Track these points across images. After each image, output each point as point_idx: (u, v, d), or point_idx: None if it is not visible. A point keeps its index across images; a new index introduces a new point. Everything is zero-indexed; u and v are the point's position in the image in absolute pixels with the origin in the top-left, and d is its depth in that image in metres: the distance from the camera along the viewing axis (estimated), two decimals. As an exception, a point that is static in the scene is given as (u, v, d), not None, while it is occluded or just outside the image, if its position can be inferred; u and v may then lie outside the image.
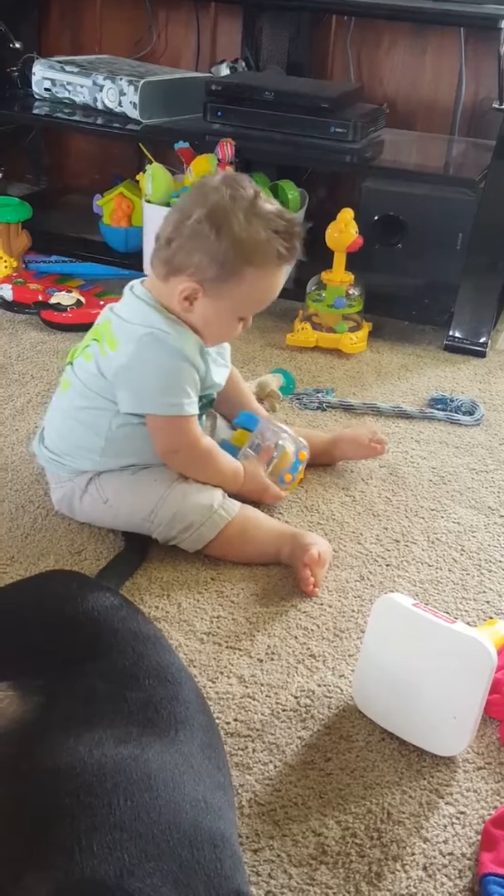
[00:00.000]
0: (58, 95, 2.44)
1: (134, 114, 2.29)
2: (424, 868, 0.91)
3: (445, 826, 0.96)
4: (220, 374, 1.41)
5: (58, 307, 2.08)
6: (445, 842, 0.94)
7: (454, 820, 0.97)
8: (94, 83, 2.36)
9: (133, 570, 1.31)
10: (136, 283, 1.37)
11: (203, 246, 1.27)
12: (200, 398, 1.35)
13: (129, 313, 1.33)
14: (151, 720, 0.84)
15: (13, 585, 1.13)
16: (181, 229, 1.29)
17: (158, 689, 0.89)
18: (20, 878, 0.69)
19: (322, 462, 1.60)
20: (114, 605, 0.99)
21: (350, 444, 1.58)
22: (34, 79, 2.47)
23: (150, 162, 2.19)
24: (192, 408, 1.31)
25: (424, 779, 1.01)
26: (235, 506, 1.35)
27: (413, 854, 0.92)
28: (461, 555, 1.40)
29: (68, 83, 2.41)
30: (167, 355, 1.29)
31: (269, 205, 1.31)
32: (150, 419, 1.32)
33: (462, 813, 0.98)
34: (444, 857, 0.92)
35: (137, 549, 1.35)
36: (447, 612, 1.25)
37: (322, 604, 1.27)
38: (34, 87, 2.48)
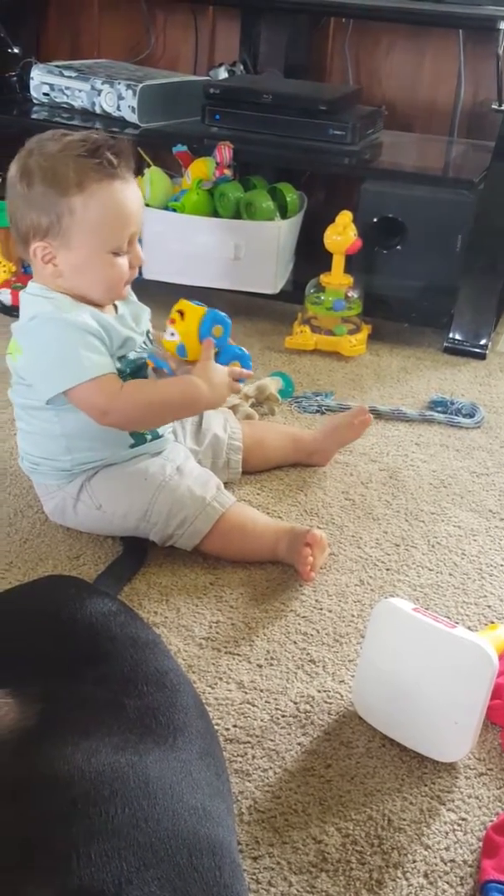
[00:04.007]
0: (56, 100, 2.44)
1: (132, 118, 2.29)
2: (426, 875, 0.90)
3: (447, 833, 0.95)
4: (133, 334, 1.35)
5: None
6: (447, 849, 0.93)
7: (456, 827, 0.96)
8: (93, 87, 2.35)
9: (131, 574, 1.31)
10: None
11: (26, 203, 1.26)
12: (124, 364, 1.33)
13: (21, 314, 1.33)
14: (149, 727, 0.84)
15: (11, 591, 1.13)
16: (10, 203, 1.28)
17: (157, 695, 0.88)
18: (18, 887, 0.68)
19: (318, 461, 1.60)
20: (112, 610, 0.99)
21: (342, 429, 1.58)
22: (33, 83, 2.46)
23: (149, 166, 2.19)
24: (97, 368, 1.27)
25: (426, 785, 1.00)
26: (230, 499, 1.35)
27: (414, 861, 0.92)
28: (462, 559, 1.39)
29: (67, 88, 2.41)
30: (52, 330, 1.27)
31: (70, 136, 1.28)
32: (68, 396, 1.29)
33: (464, 819, 0.97)
34: (445, 864, 0.92)
35: (136, 553, 1.35)
36: (448, 617, 1.24)
37: (321, 608, 1.27)
38: (33, 92, 2.47)
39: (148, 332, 1.40)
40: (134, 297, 1.40)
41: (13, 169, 1.28)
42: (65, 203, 1.24)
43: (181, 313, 1.31)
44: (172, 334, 1.31)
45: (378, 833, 0.94)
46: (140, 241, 1.33)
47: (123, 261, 1.30)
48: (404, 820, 0.96)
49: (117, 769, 0.77)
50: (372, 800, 0.98)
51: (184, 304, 1.33)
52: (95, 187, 1.25)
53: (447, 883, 0.90)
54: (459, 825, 0.96)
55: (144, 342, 1.38)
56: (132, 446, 1.36)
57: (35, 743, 0.81)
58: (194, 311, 1.31)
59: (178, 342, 1.31)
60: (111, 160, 1.25)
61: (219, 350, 1.33)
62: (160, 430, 1.40)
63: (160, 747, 0.82)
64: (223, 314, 1.33)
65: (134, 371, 1.35)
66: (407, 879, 0.90)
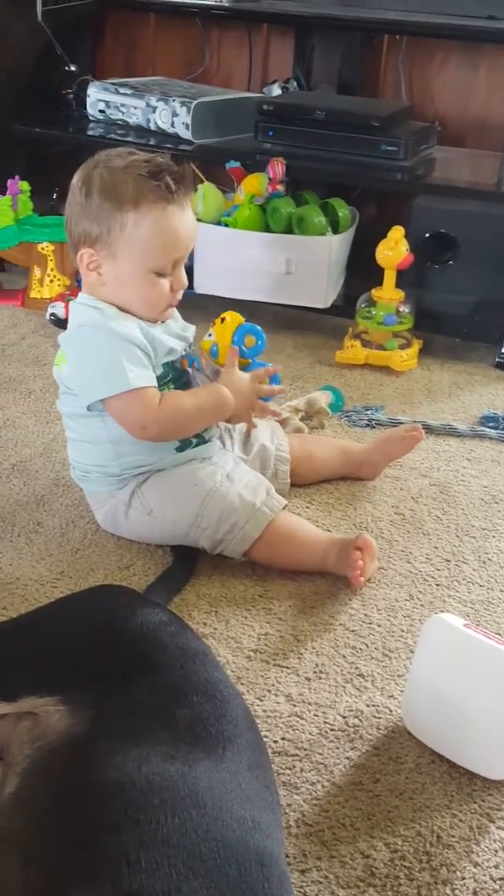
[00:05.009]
0: (112, 117, 2.48)
1: (186, 134, 2.32)
2: (475, 893, 0.89)
3: (496, 851, 0.94)
4: (176, 343, 1.38)
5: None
6: (496, 867, 0.92)
7: (505, 846, 0.95)
8: (148, 104, 2.39)
9: (181, 585, 1.32)
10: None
11: (82, 211, 1.31)
12: (163, 372, 1.35)
13: (69, 323, 1.38)
14: (199, 737, 0.84)
15: (63, 600, 1.14)
16: (68, 208, 1.33)
17: (206, 705, 0.89)
18: (68, 892, 0.69)
19: (367, 474, 1.59)
20: (163, 620, 0.99)
21: (392, 443, 1.58)
22: (89, 100, 2.51)
23: (202, 181, 2.22)
24: (140, 380, 1.30)
25: (475, 802, 0.99)
26: (280, 503, 1.36)
27: (463, 878, 0.91)
28: (513, 575, 1.38)
29: (122, 105, 2.45)
30: (97, 339, 1.31)
31: (136, 156, 1.31)
32: (107, 406, 1.32)
33: (514, 839, 0.96)
34: (494, 882, 0.91)
35: (186, 564, 1.36)
36: (499, 634, 1.23)
37: (371, 623, 1.26)
38: (89, 109, 2.52)
39: (190, 345, 1.42)
40: (179, 317, 1.42)
41: (77, 177, 1.33)
42: (117, 217, 1.28)
43: (223, 319, 1.38)
44: (210, 335, 1.40)
45: (427, 849, 0.93)
46: (192, 257, 1.36)
47: (165, 282, 1.33)
48: (453, 837, 0.95)
49: (167, 778, 0.77)
50: (421, 816, 0.97)
51: (230, 312, 1.41)
52: (149, 208, 1.28)
53: (497, 903, 0.89)
54: (509, 845, 0.95)
55: (185, 347, 1.41)
56: (178, 450, 1.38)
57: (86, 750, 0.82)
58: (234, 319, 1.40)
59: (212, 342, 1.38)
60: (170, 185, 1.29)
61: (249, 363, 1.41)
62: (206, 435, 1.41)
63: (210, 757, 0.82)
64: (259, 329, 1.39)
65: (175, 377, 1.37)
66: (456, 898, 0.89)
